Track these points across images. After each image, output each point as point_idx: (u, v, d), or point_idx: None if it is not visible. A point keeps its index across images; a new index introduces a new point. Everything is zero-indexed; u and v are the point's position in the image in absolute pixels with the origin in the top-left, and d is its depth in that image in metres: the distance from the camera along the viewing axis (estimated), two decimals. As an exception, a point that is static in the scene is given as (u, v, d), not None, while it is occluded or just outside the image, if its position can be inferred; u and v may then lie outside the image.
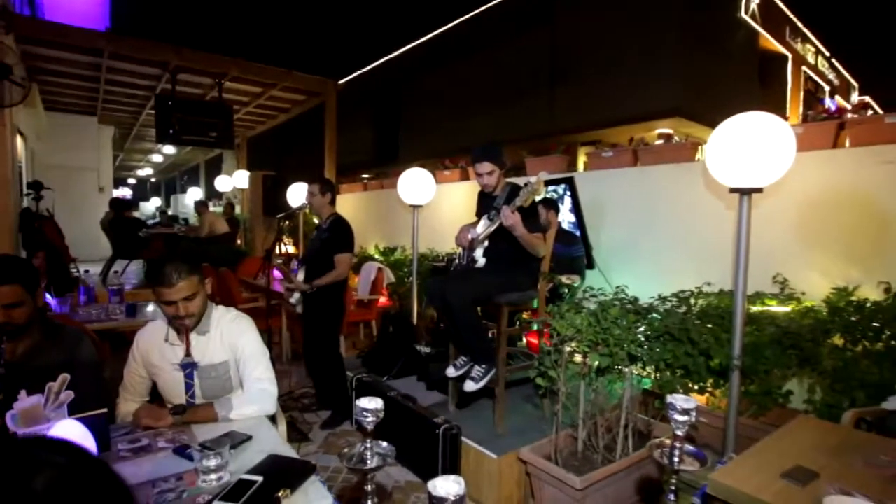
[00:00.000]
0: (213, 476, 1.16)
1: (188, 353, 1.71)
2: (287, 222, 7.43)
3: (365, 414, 1.45)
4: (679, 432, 1.45)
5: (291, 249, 7.51)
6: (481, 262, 2.56)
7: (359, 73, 17.12)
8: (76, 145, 8.81)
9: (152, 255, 6.27)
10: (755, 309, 2.59)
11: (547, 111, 11.91)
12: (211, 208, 8.06)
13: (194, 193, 12.94)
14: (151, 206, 16.99)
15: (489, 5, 13.22)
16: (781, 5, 13.01)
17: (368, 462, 1.44)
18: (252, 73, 6.34)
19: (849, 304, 2.40)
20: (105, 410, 1.30)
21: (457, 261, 2.78)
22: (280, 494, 1.04)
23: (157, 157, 12.36)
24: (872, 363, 2.19)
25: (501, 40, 12.67)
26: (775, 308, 2.60)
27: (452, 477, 1.21)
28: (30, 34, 4.94)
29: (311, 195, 3.21)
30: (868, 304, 2.34)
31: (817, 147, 2.71)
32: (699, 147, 3.38)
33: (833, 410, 2.19)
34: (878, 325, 2.25)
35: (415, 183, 4.17)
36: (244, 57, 6.30)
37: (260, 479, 1.07)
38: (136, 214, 7.84)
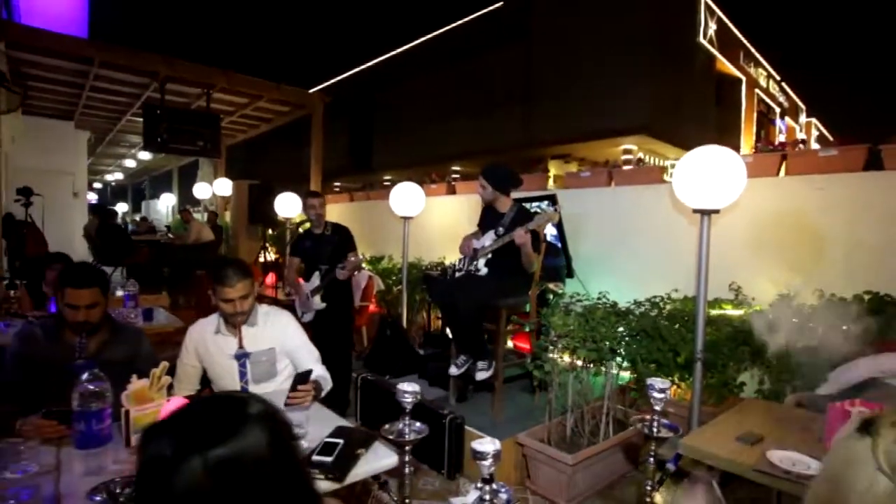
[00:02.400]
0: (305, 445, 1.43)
1: (241, 346, 1.96)
2: (271, 231, 7.60)
3: (405, 396, 1.76)
4: (657, 407, 1.82)
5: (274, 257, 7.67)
6: (483, 270, 2.89)
7: (333, 80, 17.26)
8: (51, 149, 8.68)
9: (138, 261, 6.31)
10: (714, 312, 3.01)
11: (520, 124, 12.40)
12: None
13: (167, 200, 12.79)
14: (118, 211, 16.55)
15: (467, 19, 13.66)
16: (736, 32, 13.97)
17: (407, 436, 1.75)
18: (241, 85, 6.51)
19: (790, 307, 2.84)
20: (194, 392, 1.55)
21: (458, 266, 3.11)
22: (359, 452, 1.33)
23: (130, 163, 12.19)
24: (807, 358, 2.63)
25: (478, 53, 13.09)
26: (731, 311, 3.03)
27: (488, 438, 1.53)
28: (24, 42, 5.00)
29: (317, 207, 3.48)
30: (806, 308, 2.78)
31: (764, 174, 3.18)
32: (666, 170, 3.83)
33: (778, 397, 2.62)
34: (813, 324, 2.69)
35: (406, 196, 4.47)
36: (223, 65, 6.43)
37: (342, 441, 1.36)
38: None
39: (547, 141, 11.90)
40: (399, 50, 15.33)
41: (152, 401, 1.47)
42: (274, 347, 2.02)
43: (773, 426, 1.84)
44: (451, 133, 13.47)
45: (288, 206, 6.26)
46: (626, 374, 2.96)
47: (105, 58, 5.54)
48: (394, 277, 5.67)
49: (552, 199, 3.93)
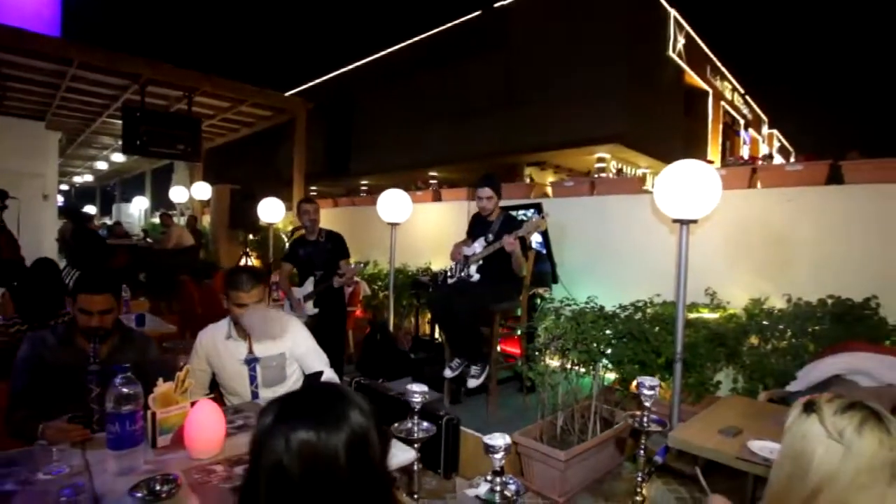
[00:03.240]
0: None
1: (251, 350, 2.02)
2: (252, 236, 7.55)
3: (414, 396, 1.86)
4: (647, 403, 1.97)
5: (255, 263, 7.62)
6: (475, 276, 3.01)
7: (310, 84, 17.16)
8: (20, 150, 8.40)
9: (115, 266, 6.20)
10: (691, 316, 3.20)
11: (497, 131, 12.58)
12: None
13: (140, 203, 12.50)
14: (93, 214, 15.98)
15: (446, 26, 13.81)
16: (703, 46, 14.55)
17: (416, 434, 1.84)
18: (225, 89, 6.49)
19: (761, 311, 3.06)
20: (203, 396, 1.62)
21: (450, 273, 3.22)
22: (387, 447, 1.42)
23: (101, 165, 11.87)
24: (779, 357, 2.84)
25: (457, 61, 13.25)
26: (707, 315, 3.23)
27: (499, 434, 1.64)
28: (7, 43, 4.90)
29: (311, 213, 3.54)
30: (775, 312, 3.01)
31: (736, 187, 3.39)
32: (645, 180, 4.03)
33: (752, 394, 2.81)
34: (782, 327, 2.91)
35: (393, 203, 4.56)
36: (199, 67, 6.40)
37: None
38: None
39: (523, 148, 12.12)
40: (378, 55, 15.37)
41: (177, 403, 1.53)
42: (284, 352, 2.08)
43: (750, 420, 2.01)
44: (429, 139, 13.56)
45: (271, 211, 6.26)
46: (610, 375, 3.11)
47: (86, 59, 5.47)
48: (379, 283, 5.74)
49: (538, 208, 4.08)
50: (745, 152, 17.83)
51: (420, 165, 13.39)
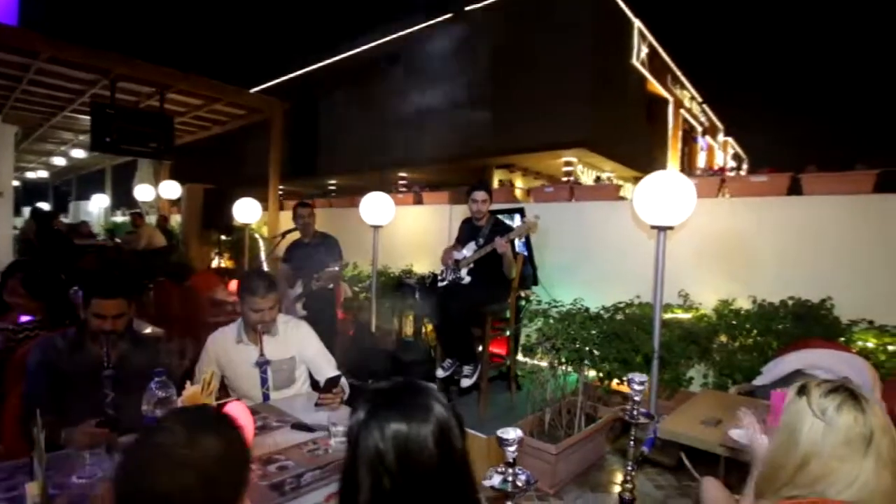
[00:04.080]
0: (343, 438, 1.60)
1: (262, 353, 2.07)
2: (225, 237, 7.43)
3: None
4: (636, 398, 2.13)
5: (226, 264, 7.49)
6: (466, 279, 3.13)
7: (275, 81, 16.85)
8: (-29, 145, 7.98)
9: (83, 268, 5.98)
10: (667, 316, 3.43)
11: (465, 134, 12.72)
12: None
13: (99, 201, 11.98)
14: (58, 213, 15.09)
15: (415, 28, 13.86)
16: (664, 56, 15.16)
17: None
18: (201, 87, 6.37)
19: (730, 311, 3.31)
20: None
21: (440, 276, 3.32)
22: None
23: (58, 160, 11.33)
24: (746, 353, 3.09)
25: (424, 62, 13.31)
26: (680, 315, 3.46)
27: (511, 428, 1.76)
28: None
29: (310, 216, 3.58)
30: (742, 312, 3.26)
31: (706, 196, 3.65)
32: (621, 187, 4.25)
33: (721, 389, 3.05)
34: (748, 326, 3.17)
35: (376, 205, 4.63)
36: (161, 61, 6.22)
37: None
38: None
39: (492, 151, 12.29)
40: (345, 55, 15.25)
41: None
42: (294, 356, 2.14)
43: (725, 411, 2.21)
44: (397, 140, 13.51)
45: (247, 211, 6.20)
46: (590, 373, 3.30)
47: (54, 52, 5.26)
48: (360, 285, 5.78)
49: (521, 212, 4.24)
50: (702, 159, 18.71)
51: (388, 166, 13.40)
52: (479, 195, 3.18)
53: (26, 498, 1.17)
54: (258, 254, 7.35)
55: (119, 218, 11.35)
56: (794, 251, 3.29)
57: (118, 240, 7.66)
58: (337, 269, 3.59)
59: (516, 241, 4.43)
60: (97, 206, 12.10)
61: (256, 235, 7.43)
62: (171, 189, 8.20)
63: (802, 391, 1.12)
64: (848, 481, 1.00)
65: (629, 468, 2.19)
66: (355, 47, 15.03)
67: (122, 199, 12.07)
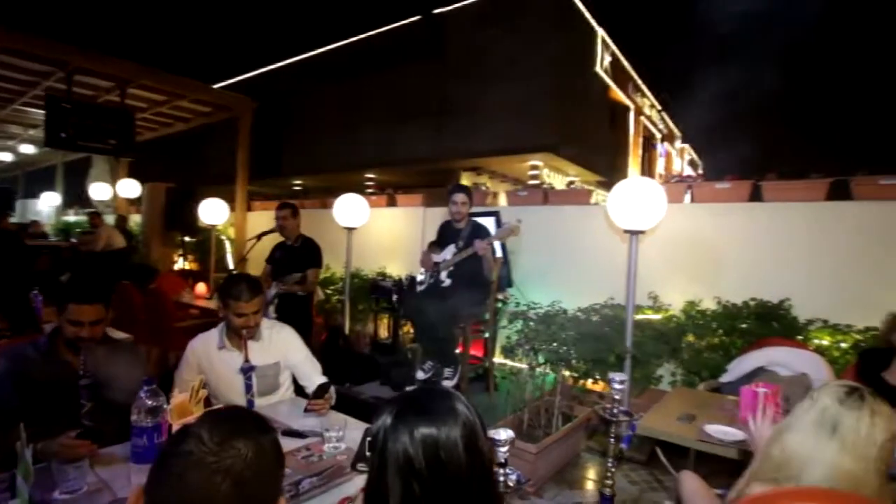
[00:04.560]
0: (336, 443, 1.59)
1: (247, 360, 2.03)
2: (189, 238, 7.19)
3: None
4: (617, 396, 2.21)
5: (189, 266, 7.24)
6: (447, 282, 3.15)
7: (240, 78, 16.41)
8: None
9: (37, 271, 5.67)
10: (638, 317, 3.55)
11: (433, 136, 12.75)
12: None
13: (49, 199, 11.34)
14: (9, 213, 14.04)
15: (384, 29, 13.80)
16: (626, 65, 15.65)
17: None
18: (166, 83, 6.15)
19: (697, 312, 3.47)
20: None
21: (419, 280, 3.34)
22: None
23: (4, 156, 10.66)
24: (712, 352, 3.24)
25: (393, 65, 13.28)
26: (650, 316, 3.59)
27: (503, 429, 1.80)
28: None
29: (285, 219, 3.52)
30: (708, 312, 3.42)
31: (674, 201, 3.80)
32: (593, 193, 4.38)
33: (690, 386, 3.19)
34: (714, 326, 3.33)
35: (350, 207, 4.61)
36: (119, 53, 5.99)
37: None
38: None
39: (459, 154, 12.37)
40: (312, 53, 15.02)
41: (192, 413, 1.54)
42: (279, 361, 2.10)
43: (699, 408, 2.31)
44: (363, 141, 13.43)
45: (213, 212, 6.03)
46: (565, 373, 3.38)
47: (7, 43, 4.97)
48: (332, 287, 5.71)
49: (496, 216, 4.31)
50: (660, 164, 19.41)
51: (355, 167, 13.30)
52: (459, 197, 3.22)
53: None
54: (225, 255, 7.16)
55: (72, 217, 10.78)
56: (755, 254, 3.47)
57: (74, 240, 7.27)
58: (300, 275, 3.50)
59: (496, 244, 4.51)
60: (47, 204, 11.46)
61: (223, 237, 7.24)
62: (130, 188, 7.87)
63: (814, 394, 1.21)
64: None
65: (610, 465, 2.27)
66: (323, 46, 14.83)
67: (75, 197, 11.46)
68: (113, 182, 8.80)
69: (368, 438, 0.87)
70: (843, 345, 2.93)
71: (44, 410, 1.71)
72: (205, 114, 7.52)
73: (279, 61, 15.71)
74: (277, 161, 15.72)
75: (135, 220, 8.28)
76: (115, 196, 8.64)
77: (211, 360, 2.04)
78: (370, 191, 11.92)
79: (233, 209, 6.71)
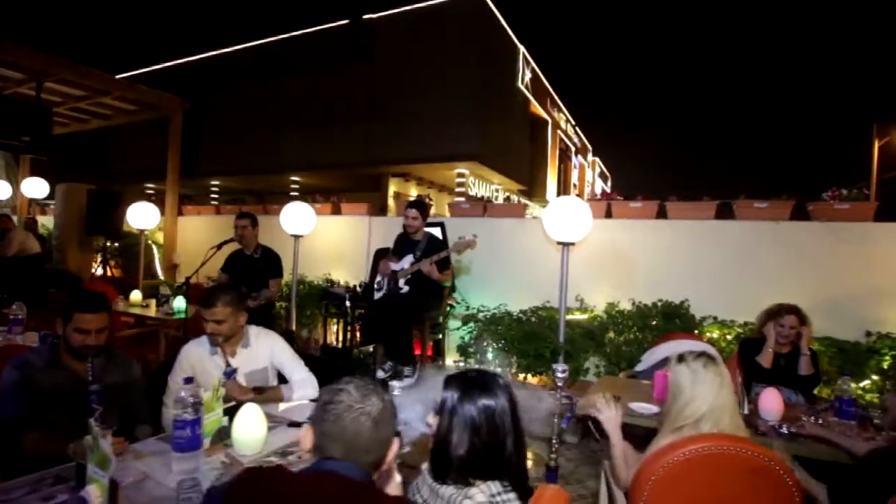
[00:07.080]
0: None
1: (228, 364, 2.19)
2: (112, 244, 6.81)
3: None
4: (560, 384, 2.65)
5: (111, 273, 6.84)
6: (405, 289, 3.46)
7: (149, 69, 15.36)
8: None
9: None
10: (569, 317, 4.08)
11: (360, 141, 12.79)
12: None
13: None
14: None
15: (311, 30, 13.62)
16: (545, 81, 16.76)
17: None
18: (90, 79, 5.84)
19: (616, 312, 4.06)
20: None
21: (377, 287, 3.61)
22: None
23: None
24: (629, 346, 3.83)
25: (319, 67, 13.17)
26: (578, 316, 4.14)
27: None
28: None
29: (244, 228, 3.61)
30: (625, 312, 4.02)
31: (596, 217, 4.39)
32: (527, 206, 4.88)
33: (612, 374, 3.75)
34: (630, 323, 3.92)
35: (297, 215, 4.75)
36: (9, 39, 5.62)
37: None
38: None
39: (386, 160, 12.55)
40: (232, 49, 14.43)
41: (213, 410, 1.73)
42: (266, 367, 2.29)
43: (621, 391, 2.82)
44: (288, 143, 13.14)
45: (143, 217, 5.82)
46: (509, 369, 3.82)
47: None
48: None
49: (441, 226, 4.67)
50: (575, 175, 20.91)
51: (278, 170, 13.04)
52: (411, 213, 3.54)
53: (89, 501, 1.26)
54: (153, 261, 6.87)
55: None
56: (661, 262, 4.14)
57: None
58: (269, 292, 3.65)
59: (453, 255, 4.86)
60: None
61: (150, 242, 6.93)
62: (37, 187, 7.25)
63: (681, 359, 1.68)
64: (712, 407, 1.56)
65: (554, 441, 2.70)
66: (243, 42, 14.32)
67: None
68: (11, 180, 8.03)
69: (437, 404, 1.19)
70: (729, 336, 3.63)
71: (50, 416, 1.80)
72: (128, 112, 7.16)
73: (197, 54, 14.90)
74: (193, 160, 14.91)
75: (43, 222, 7.64)
76: (15, 196, 7.90)
77: (203, 364, 2.19)
78: (294, 194, 11.76)
79: (163, 212, 6.48)
